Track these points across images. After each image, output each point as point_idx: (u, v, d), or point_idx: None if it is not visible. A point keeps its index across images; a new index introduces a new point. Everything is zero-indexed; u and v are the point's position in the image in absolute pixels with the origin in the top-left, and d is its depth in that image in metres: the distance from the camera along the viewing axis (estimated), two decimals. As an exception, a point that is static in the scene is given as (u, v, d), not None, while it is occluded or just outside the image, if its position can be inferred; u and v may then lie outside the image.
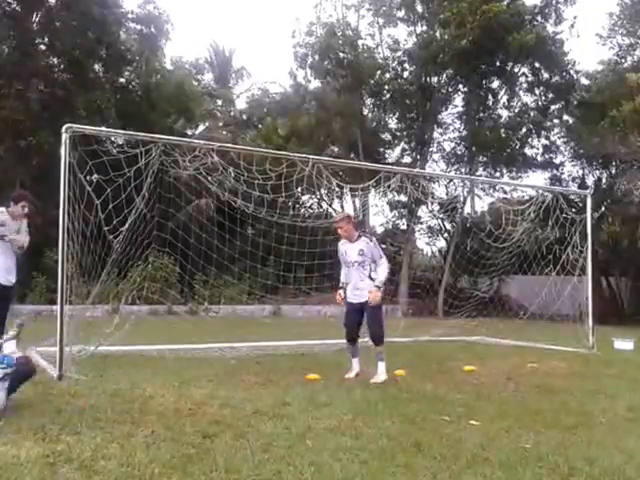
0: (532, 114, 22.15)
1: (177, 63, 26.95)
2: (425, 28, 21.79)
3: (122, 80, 21.47)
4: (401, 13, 21.81)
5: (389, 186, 9.83)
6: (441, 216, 24.49)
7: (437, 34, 20.85)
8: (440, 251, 27.05)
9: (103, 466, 3.29)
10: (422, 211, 24.40)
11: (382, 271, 6.28)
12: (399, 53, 22.16)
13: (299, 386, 5.77)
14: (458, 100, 23.44)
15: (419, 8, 21.60)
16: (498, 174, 23.29)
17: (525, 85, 22.38)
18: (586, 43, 43.80)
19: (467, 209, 24.52)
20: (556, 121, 22.97)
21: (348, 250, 6.41)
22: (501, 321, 14.16)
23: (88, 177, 6.60)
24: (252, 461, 3.43)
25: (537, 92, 22.43)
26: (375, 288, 6.20)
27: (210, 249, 10.66)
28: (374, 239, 6.57)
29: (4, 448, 3.54)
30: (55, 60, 19.61)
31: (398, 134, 24.08)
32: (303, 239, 11.51)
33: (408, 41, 22.24)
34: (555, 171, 23.65)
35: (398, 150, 24.42)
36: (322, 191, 22.09)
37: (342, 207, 25.12)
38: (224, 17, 50.36)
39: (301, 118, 23.06)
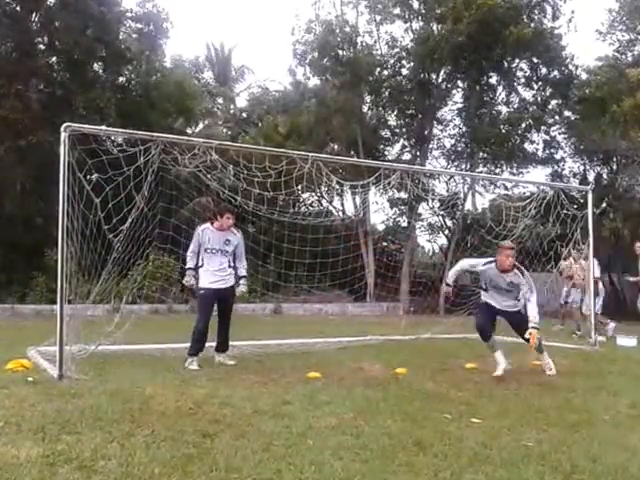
0: (531, 109, 22.12)
1: (177, 62, 26.90)
2: (421, 24, 21.78)
3: (122, 79, 21.43)
4: (397, 10, 21.79)
5: (389, 183, 9.80)
6: (442, 213, 24.46)
7: (434, 30, 20.83)
8: (441, 248, 27.05)
9: (103, 466, 3.27)
10: (423, 208, 24.40)
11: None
12: (396, 50, 22.14)
13: (300, 385, 5.75)
14: (457, 96, 23.45)
15: (415, 4, 21.57)
16: (498, 170, 23.26)
17: (523, 80, 22.35)
18: (585, 39, 43.67)
19: (468, 206, 24.53)
20: (556, 117, 22.94)
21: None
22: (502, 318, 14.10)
23: (88, 176, 6.58)
24: (252, 460, 3.41)
25: (536, 87, 22.41)
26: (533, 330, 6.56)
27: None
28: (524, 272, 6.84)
29: (4, 448, 3.53)
30: (54, 59, 19.57)
31: (398, 131, 24.05)
32: (304, 237, 11.49)
33: (405, 38, 22.25)
34: (556, 167, 23.60)
35: (398, 147, 24.42)
36: (322, 189, 22.09)
37: (342, 204, 25.17)
38: (223, 15, 50.36)
39: (301, 116, 23.04)
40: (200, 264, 7.04)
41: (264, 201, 9.16)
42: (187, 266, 7.11)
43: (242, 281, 7.22)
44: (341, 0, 22.30)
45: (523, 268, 6.76)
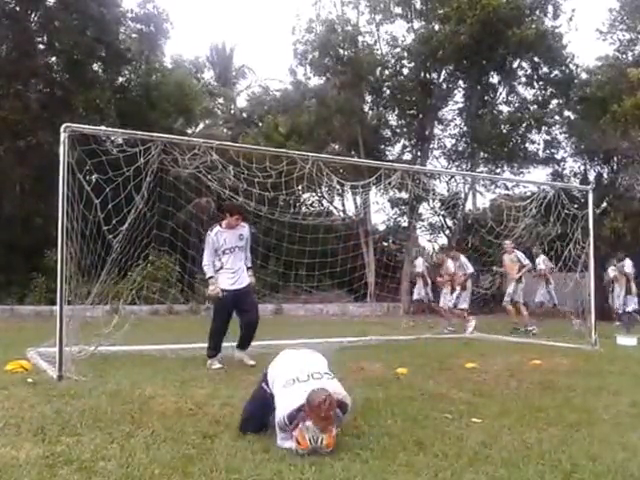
0: (532, 109, 22.10)
1: (177, 62, 26.91)
2: (423, 24, 21.77)
3: (121, 79, 21.46)
4: (398, 9, 21.79)
5: (390, 183, 9.80)
6: (442, 213, 24.44)
7: (436, 30, 20.82)
8: (442, 248, 27.01)
9: (103, 467, 3.26)
10: (423, 208, 24.38)
11: None
12: (397, 49, 22.15)
13: (300, 385, 5.72)
14: (458, 96, 23.45)
15: (417, 4, 21.57)
16: (499, 170, 23.24)
17: (524, 79, 22.34)
18: (586, 39, 43.53)
19: (468, 206, 24.50)
20: (557, 117, 22.92)
21: None
22: (503, 318, 14.12)
23: (87, 177, 6.57)
24: (253, 461, 3.41)
25: (536, 87, 22.40)
26: None
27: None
28: None
29: (3, 449, 3.52)
30: (54, 59, 19.59)
31: (398, 131, 24.04)
32: (304, 237, 11.47)
33: (407, 37, 22.26)
34: (556, 167, 23.59)
35: (399, 147, 24.41)
36: (323, 189, 22.08)
37: (343, 204, 25.17)
38: (224, 15, 50.35)
39: (301, 115, 23.04)
40: (219, 266, 6.96)
41: (265, 201, 9.16)
42: (208, 275, 7.00)
43: (249, 272, 7.21)
44: (341, 0, 22.35)
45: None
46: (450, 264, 12.83)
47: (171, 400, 4.88)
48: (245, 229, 7.16)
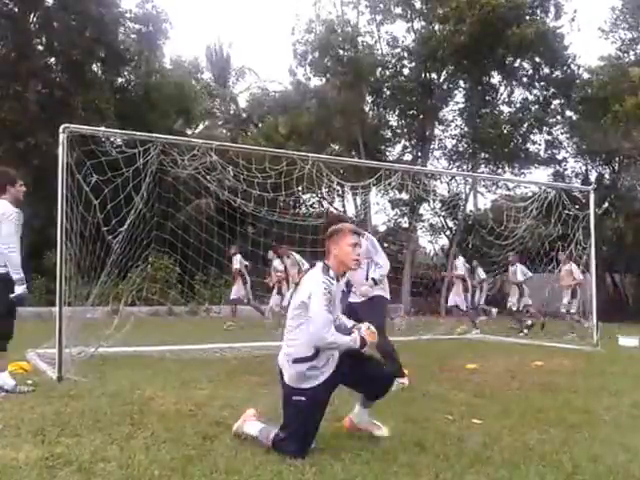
0: (533, 109, 22.08)
1: (176, 62, 26.89)
2: (423, 24, 21.78)
3: (121, 80, 21.46)
4: (398, 9, 21.80)
5: (390, 184, 9.80)
6: (443, 214, 24.43)
7: (436, 30, 20.82)
8: (442, 249, 27.00)
9: (102, 468, 3.25)
10: (424, 209, 24.37)
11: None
12: (398, 50, 22.15)
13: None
14: (459, 96, 23.43)
15: (417, 4, 21.58)
16: (500, 171, 23.22)
17: (525, 79, 22.31)
18: (588, 38, 43.67)
19: (469, 206, 24.49)
20: (558, 117, 22.89)
21: None
22: (504, 319, 14.11)
23: (86, 178, 6.57)
24: (253, 462, 3.39)
25: (538, 87, 22.37)
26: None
27: (210, 249, 10.61)
28: None
29: (3, 451, 3.51)
30: (53, 60, 19.59)
31: (399, 131, 24.03)
32: (304, 238, 11.45)
33: (407, 38, 22.27)
34: (558, 167, 23.51)
35: (399, 147, 24.41)
36: (323, 189, 22.07)
37: (343, 205, 25.15)
38: (223, 15, 50.35)
39: (301, 116, 23.02)
40: None
41: (264, 202, 9.14)
42: None
43: (370, 282, 5.98)
44: (341, 0, 22.36)
45: None
46: (277, 263, 12.28)
47: (171, 401, 4.87)
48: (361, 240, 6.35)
